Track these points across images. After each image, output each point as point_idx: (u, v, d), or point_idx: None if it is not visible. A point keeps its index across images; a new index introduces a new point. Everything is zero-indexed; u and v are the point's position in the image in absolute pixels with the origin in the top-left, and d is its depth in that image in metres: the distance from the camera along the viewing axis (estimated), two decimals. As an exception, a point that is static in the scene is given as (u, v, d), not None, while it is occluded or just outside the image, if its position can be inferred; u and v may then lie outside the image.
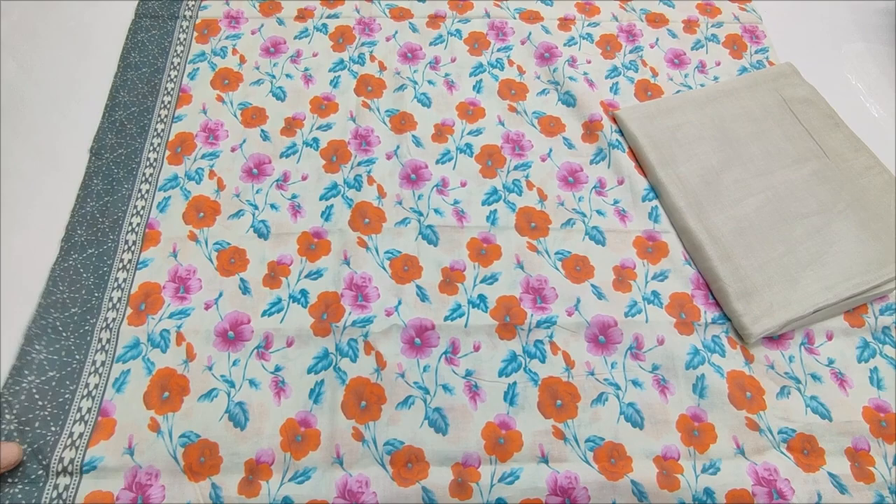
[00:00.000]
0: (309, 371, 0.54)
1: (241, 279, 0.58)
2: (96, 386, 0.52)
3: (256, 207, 0.63)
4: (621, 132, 0.71)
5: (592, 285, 0.60)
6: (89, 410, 0.51)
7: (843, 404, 0.55)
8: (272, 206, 0.63)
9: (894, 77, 0.80)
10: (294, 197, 0.64)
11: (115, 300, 0.56)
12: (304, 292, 0.58)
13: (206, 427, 0.50)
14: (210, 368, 0.53)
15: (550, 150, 0.69)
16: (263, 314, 0.56)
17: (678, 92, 0.75)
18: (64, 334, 0.54)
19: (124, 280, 0.57)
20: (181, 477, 0.49)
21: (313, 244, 0.61)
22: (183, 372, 0.53)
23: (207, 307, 0.56)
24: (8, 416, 0.49)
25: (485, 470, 0.50)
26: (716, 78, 0.77)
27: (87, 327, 0.55)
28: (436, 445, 0.50)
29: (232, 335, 0.55)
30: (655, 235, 0.64)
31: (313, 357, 0.54)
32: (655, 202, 0.66)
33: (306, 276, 0.59)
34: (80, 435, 0.50)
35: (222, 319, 0.56)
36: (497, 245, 0.62)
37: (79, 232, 0.60)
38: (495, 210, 0.65)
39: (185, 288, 0.57)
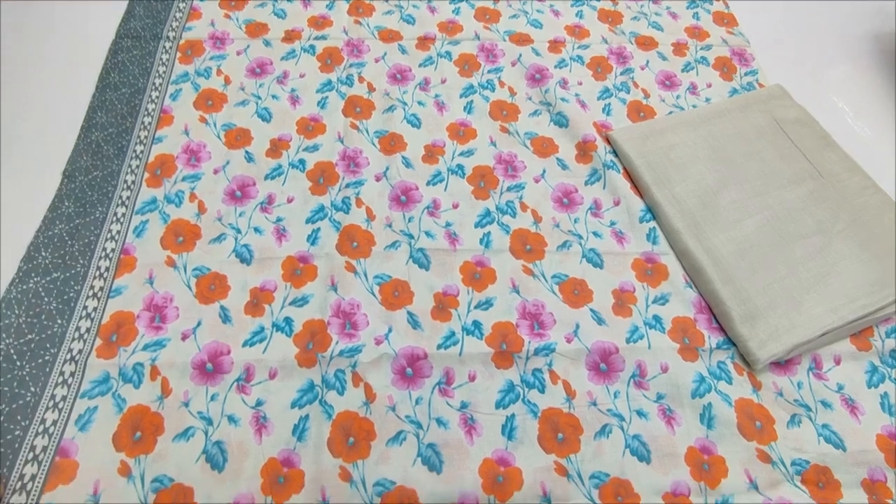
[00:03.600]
0: (293, 405, 0.50)
1: (222, 307, 0.55)
2: (54, 423, 0.47)
3: (239, 231, 0.60)
4: (615, 153, 0.70)
5: (591, 310, 0.58)
6: (45, 449, 0.46)
7: (855, 432, 0.52)
8: (256, 229, 0.60)
9: (880, 99, 0.80)
10: (279, 220, 0.61)
11: (82, 330, 0.52)
12: (288, 320, 0.54)
13: (181, 470, 0.46)
14: (187, 405, 0.49)
15: (544, 171, 0.68)
16: (245, 344, 0.53)
17: (671, 113, 0.74)
18: (18, 363, 0.49)
19: (94, 309, 0.54)
20: None
21: (299, 269, 0.58)
22: (157, 409, 0.49)
23: (185, 337, 0.53)
24: None
25: (483, 511, 0.46)
26: (707, 99, 0.76)
27: (46, 357, 0.50)
28: (430, 485, 0.47)
29: (210, 367, 0.51)
30: (654, 257, 0.62)
31: (297, 390, 0.51)
32: (653, 223, 0.64)
33: (291, 303, 0.55)
34: (33, 477, 0.44)
35: (200, 350, 0.52)
36: (491, 268, 0.60)
37: (43, 254, 0.56)
38: (489, 232, 0.62)
39: (161, 317, 0.54)
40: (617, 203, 0.65)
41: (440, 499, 0.46)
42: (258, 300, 0.55)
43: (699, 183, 0.66)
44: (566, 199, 0.66)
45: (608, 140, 0.71)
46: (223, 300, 0.55)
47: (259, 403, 0.50)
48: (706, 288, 0.59)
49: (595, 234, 0.63)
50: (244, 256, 0.58)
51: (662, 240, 0.63)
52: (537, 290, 0.59)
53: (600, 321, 0.57)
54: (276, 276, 0.57)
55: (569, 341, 0.55)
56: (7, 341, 0.50)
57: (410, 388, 0.51)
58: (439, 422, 0.50)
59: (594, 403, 0.52)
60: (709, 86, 0.78)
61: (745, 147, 0.69)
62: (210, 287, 0.56)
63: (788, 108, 0.73)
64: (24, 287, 0.53)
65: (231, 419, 0.49)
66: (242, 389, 0.50)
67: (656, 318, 0.58)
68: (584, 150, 0.69)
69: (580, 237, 0.63)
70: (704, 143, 0.69)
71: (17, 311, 0.52)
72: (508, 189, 0.66)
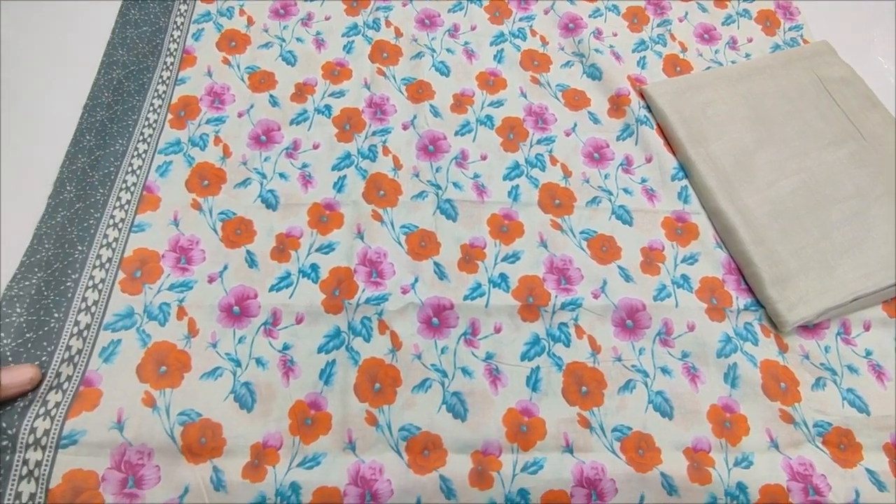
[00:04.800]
0: (319, 350, 0.50)
1: (248, 251, 0.54)
2: (79, 352, 0.47)
3: (265, 176, 0.59)
4: (649, 108, 0.67)
5: (619, 267, 0.57)
6: (69, 378, 0.46)
7: (880, 398, 0.52)
8: (281, 175, 0.59)
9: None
10: (305, 166, 0.60)
11: (103, 259, 0.52)
12: (314, 267, 0.54)
13: (209, 406, 0.47)
14: (214, 346, 0.50)
15: (575, 125, 0.66)
16: (271, 289, 0.53)
17: (708, 68, 0.71)
18: (45, 293, 0.49)
19: (115, 239, 0.53)
20: (178, 458, 0.44)
21: (325, 216, 0.57)
22: (184, 347, 0.49)
23: (211, 280, 0.53)
24: None
25: (506, 459, 0.47)
26: (747, 55, 0.73)
27: (68, 283, 0.50)
28: (454, 432, 0.47)
29: (237, 310, 0.51)
30: (685, 216, 0.60)
31: (324, 335, 0.51)
32: (685, 182, 0.62)
33: (317, 250, 0.55)
34: (57, 404, 0.44)
35: (227, 294, 0.52)
36: (519, 222, 0.59)
37: (68, 188, 0.55)
38: (517, 185, 0.61)
39: (188, 259, 0.53)
40: (649, 160, 0.64)
41: (464, 445, 0.47)
42: (284, 246, 0.55)
43: (735, 142, 0.63)
44: (597, 154, 0.64)
45: (642, 95, 0.68)
46: (249, 245, 0.55)
47: (286, 348, 0.50)
48: (737, 249, 0.58)
49: (625, 190, 0.62)
50: (270, 202, 0.57)
51: (694, 199, 0.62)
52: (565, 245, 0.58)
53: (628, 278, 0.56)
54: (302, 222, 0.57)
55: (596, 297, 0.55)
56: (39, 275, 0.50)
57: (436, 337, 0.52)
58: (464, 371, 0.50)
59: (619, 359, 0.52)
60: (750, 40, 0.74)
61: (785, 106, 0.67)
62: (236, 231, 0.55)
63: (834, 66, 0.70)
64: (52, 222, 0.53)
65: (259, 362, 0.49)
66: (269, 333, 0.51)
67: (684, 277, 0.57)
68: (618, 105, 0.67)
69: (610, 193, 0.61)
70: (743, 101, 0.67)
71: (46, 246, 0.52)
72: (538, 142, 0.64)
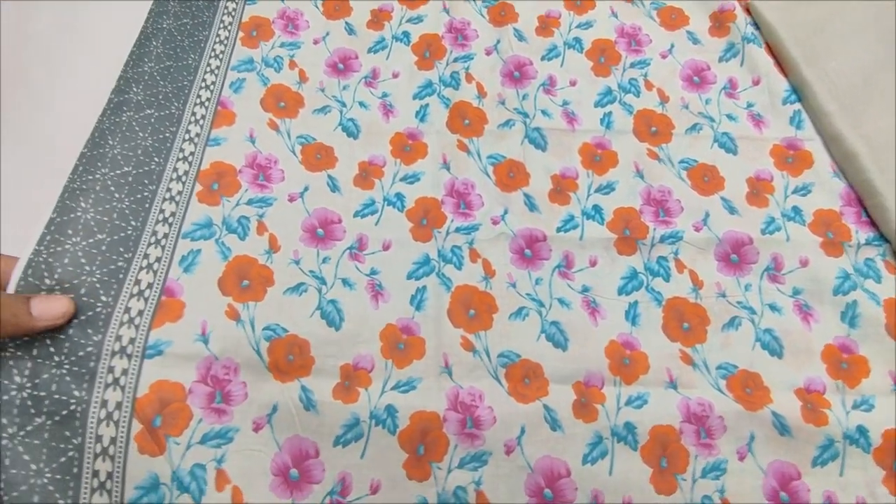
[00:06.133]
0: (409, 276, 0.49)
1: (330, 176, 0.53)
2: (158, 259, 0.45)
3: (344, 105, 0.57)
4: (757, 25, 0.61)
5: (723, 198, 0.53)
6: (150, 286, 0.44)
7: None
8: (361, 104, 0.57)
9: None
10: (385, 95, 0.58)
11: (180, 172, 0.50)
12: (399, 196, 0.52)
13: (295, 322, 0.45)
14: (297, 263, 0.48)
15: (672, 46, 0.60)
16: (356, 215, 0.51)
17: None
18: (117, 195, 0.47)
19: (191, 153, 0.51)
20: (265, 375, 0.43)
21: (408, 146, 0.55)
22: (266, 262, 0.48)
23: (292, 199, 0.51)
24: (48, 281, 0.42)
25: (609, 391, 0.45)
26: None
27: (145, 193, 0.48)
28: (555, 361, 0.46)
29: (321, 233, 0.50)
30: (797, 143, 0.55)
31: (413, 262, 0.49)
32: (798, 105, 0.56)
33: (401, 180, 0.53)
34: (140, 312, 0.43)
35: (310, 215, 0.50)
36: (613, 151, 0.55)
37: (134, 89, 0.53)
38: (610, 112, 0.57)
39: (266, 177, 0.52)
40: (756, 82, 0.58)
41: (565, 375, 0.45)
42: (367, 174, 0.53)
43: (859, 59, 0.57)
44: (697, 78, 0.59)
45: (749, 10, 0.62)
46: (330, 170, 0.53)
47: (374, 272, 0.49)
48: (858, 178, 0.52)
49: (729, 116, 0.57)
50: (351, 130, 0.56)
51: (808, 124, 0.56)
52: (663, 175, 0.54)
53: (732, 210, 0.52)
54: (385, 151, 0.55)
55: (697, 230, 0.51)
56: (103, 171, 0.48)
57: (530, 268, 0.49)
58: (561, 301, 0.48)
59: (723, 295, 0.49)
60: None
61: (918, 18, 0.59)
62: (316, 156, 0.54)
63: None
64: (117, 119, 0.51)
65: (345, 282, 0.48)
66: (355, 257, 0.49)
67: (796, 209, 0.52)
68: (720, 22, 0.61)
69: (712, 120, 0.56)
70: (867, 13, 0.59)
71: (111, 142, 0.49)
72: (632, 66, 0.59)
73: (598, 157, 0.55)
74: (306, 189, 0.52)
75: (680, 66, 0.59)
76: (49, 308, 0.39)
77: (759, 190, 0.53)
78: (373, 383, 0.44)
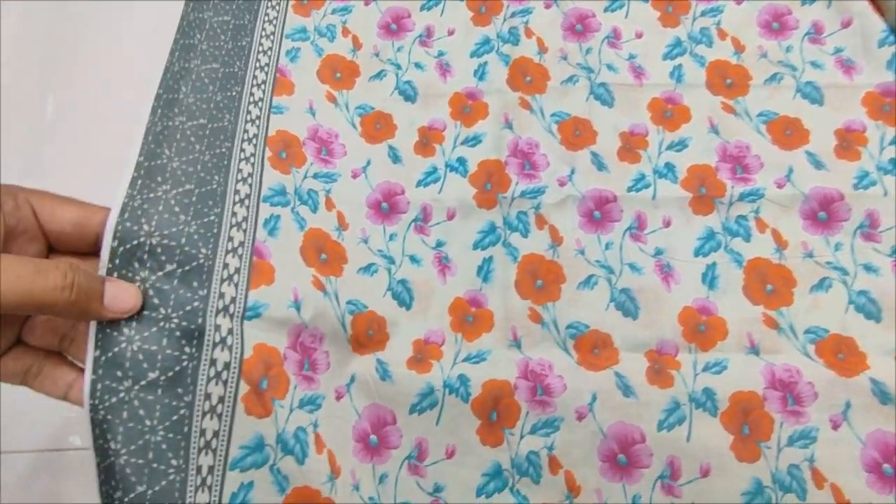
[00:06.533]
0: (475, 247, 0.48)
1: (390, 146, 0.52)
2: (245, 219, 0.44)
3: (399, 67, 0.55)
4: (846, -39, 0.55)
5: (808, 152, 0.49)
6: (242, 245, 0.42)
7: None
8: (417, 65, 0.55)
9: None
10: (441, 54, 0.56)
11: (250, 134, 0.48)
12: (461, 160, 0.51)
13: (373, 300, 0.46)
14: (366, 242, 0.48)
15: (748, -11, 0.56)
16: (418, 184, 0.50)
17: None
18: (197, 147, 0.44)
19: (258, 117, 0.49)
20: (346, 347, 0.44)
21: (468, 106, 0.53)
22: (338, 239, 0.47)
23: (355, 175, 0.51)
24: (146, 227, 0.39)
25: (684, 358, 0.43)
26: None
27: (222, 149, 0.45)
28: (625, 330, 0.44)
29: (386, 207, 0.50)
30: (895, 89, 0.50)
31: (478, 231, 0.48)
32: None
33: (463, 143, 0.52)
34: (237, 270, 0.41)
35: (374, 189, 0.50)
36: (685, 106, 0.52)
37: (198, 36, 0.50)
38: (680, 65, 0.53)
39: (329, 152, 0.51)
40: (846, 24, 0.53)
41: (637, 344, 0.44)
42: (428, 139, 0.52)
43: (966, -7, 0.51)
44: (776, 24, 0.54)
45: (836, -55, 0.56)
46: (391, 140, 0.52)
47: (439, 245, 0.48)
48: (965, 126, 0.47)
49: (814, 63, 0.52)
50: (408, 94, 0.54)
51: (908, 67, 0.51)
52: (740, 129, 0.50)
53: (819, 165, 0.48)
54: (444, 114, 0.53)
55: (780, 186, 0.48)
56: (180, 119, 0.45)
57: (599, 232, 0.47)
58: (632, 267, 0.46)
59: (810, 255, 0.46)
60: None
61: None
62: (376, 126, 0.53)
63: None
64: (185, 66, 0.48)
65: (413, 259, 0.48)
66: (421, 230, 0.49)
67: (893, 161, 0.48)
68: (803, -41, 0.56)
69: (794, 68, 0.52)
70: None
71: (183, 90, 0.47)
72: (702, 14, 0.55)
73: (669, 112, 0.51)
74: (368, 163, 0.51)
75: (757, 11, 0.55)
76: (121, 297, 0.36)
77: (849, 142, 0.49)
78: (444, 356, 0.44)
